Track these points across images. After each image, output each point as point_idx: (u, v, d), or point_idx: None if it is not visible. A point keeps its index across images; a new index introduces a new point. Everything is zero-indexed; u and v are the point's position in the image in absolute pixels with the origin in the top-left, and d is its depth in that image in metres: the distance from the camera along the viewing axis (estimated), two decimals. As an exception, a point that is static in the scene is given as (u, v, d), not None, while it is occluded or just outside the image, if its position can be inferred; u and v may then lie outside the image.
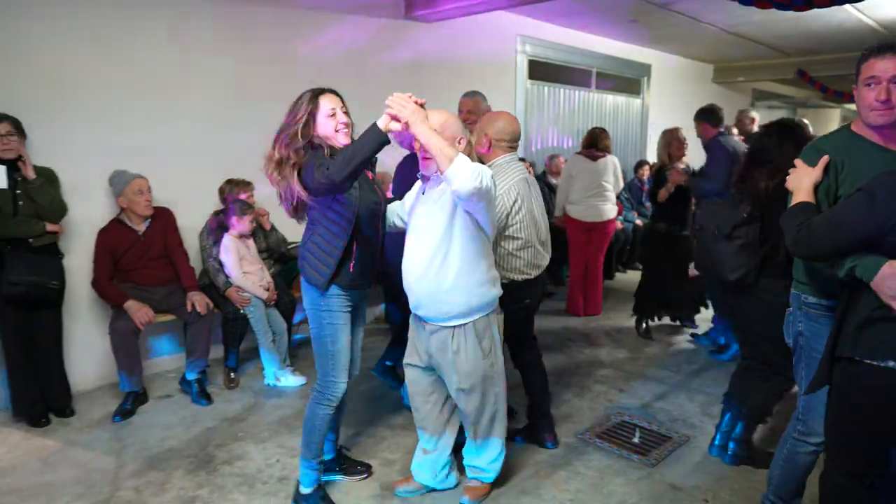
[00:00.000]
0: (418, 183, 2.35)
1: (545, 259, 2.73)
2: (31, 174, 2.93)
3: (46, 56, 3.23)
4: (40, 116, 3.14)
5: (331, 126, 2.18)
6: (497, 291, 2.27)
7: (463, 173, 1.90)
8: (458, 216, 2.12)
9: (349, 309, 2.30)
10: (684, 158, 4.33)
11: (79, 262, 3.34)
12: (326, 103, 2.17)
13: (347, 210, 2.19)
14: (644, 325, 4.54)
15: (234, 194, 3.72)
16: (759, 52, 7.75)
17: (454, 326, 2.20)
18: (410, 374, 2.42)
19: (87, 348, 3.49)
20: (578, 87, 6.98)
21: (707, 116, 4.27)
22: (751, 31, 6.56)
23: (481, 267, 2.19)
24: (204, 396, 3.38)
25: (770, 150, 2.48)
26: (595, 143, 4.89)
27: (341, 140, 2.19)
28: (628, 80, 7.68)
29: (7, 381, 3.12)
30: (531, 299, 2.74)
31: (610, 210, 4.88)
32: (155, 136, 3.60)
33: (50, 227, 3.02)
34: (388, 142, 2.01)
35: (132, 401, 3.27)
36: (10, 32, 3.11)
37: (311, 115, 2.14)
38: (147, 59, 3.56)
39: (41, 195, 2.97)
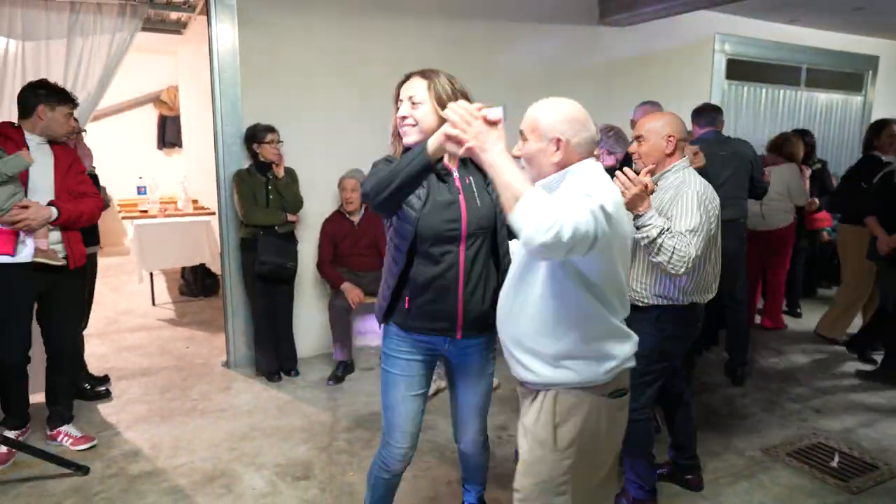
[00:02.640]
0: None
1: (716, 283, 2.34)
2: (282, 173, 3.59)
3: (294, 77, 3.90)
4: (287, 125, 3.80)
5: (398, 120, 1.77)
6: (610, 368, 1.53)
7: (530, 222, 1.26)
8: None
9: (410, 357, 1.85)
10: None
11: (308, 248, 3.98)
12: (402, 91, 1.77)
13: (404, 226, 1.73)
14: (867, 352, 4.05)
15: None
16: None
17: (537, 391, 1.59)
18: None
19: (309, 321, 4.14)
20: (784, 86, 6.43)
21: None
22: None
23: (572, 335, 1.50)
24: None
25: None
26: (778, 149, 4.50)
27: (406, 138, 1.76)
28: (847, 75, 6.86)
29: (254, 344, 3.85)
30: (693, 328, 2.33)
31: (778, 219, 4.34)
32: (372, 142, 4.13)
33: (290, 217, 3.66)
34: (431, 169, 1.57)
35: (342, 369, 3.82)
36: (269, 61, 3.82)
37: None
38: (369, 73, 4.09)
39: (287, 191, 3.61)
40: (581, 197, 1.36)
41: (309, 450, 2.92)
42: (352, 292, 3.75)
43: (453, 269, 1.74)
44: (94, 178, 3.29)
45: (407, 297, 1.77)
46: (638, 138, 2.29)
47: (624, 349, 1.55)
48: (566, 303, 1.48)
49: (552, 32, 4.79)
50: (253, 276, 3.63)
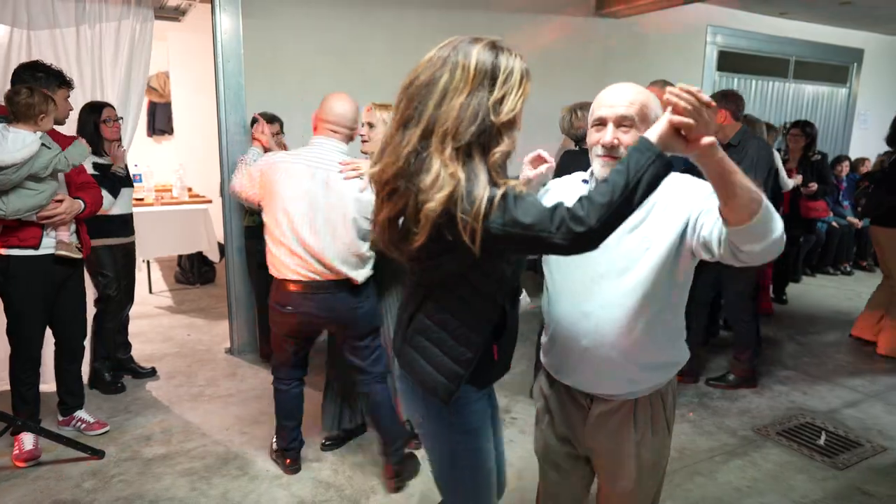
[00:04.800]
0: (574, 184, 1.57)
1: None
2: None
3: (296, 67, 3.92)
4: (290, 115, 3.83)
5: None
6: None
7: (777, 223, 1.18)
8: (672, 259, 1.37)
9: (490, 415, 1.54)
10: None
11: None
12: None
13: (513, 270, 1.38)
14: None
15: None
16: None
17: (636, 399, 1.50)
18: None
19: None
20: (773, 78, 6.57)
21: None
22: None
23: (682, 339, 1.54)
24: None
25: None
26: None
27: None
28: (833, 67, 7.02)
29: (258, 331, 3.91)
30: None
31: None
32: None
33: (294, 206, 3.72)
34: (670, 170, 1.13)
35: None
36: (272, 51, 3.85)
37: (524, 93, 1.25)
38: (371, 61, 4.13)
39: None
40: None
41: (321, 433, 2.99)
42: None
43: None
44: (122, 177, 3.28)
45: (495, 347, 1.41)
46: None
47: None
48: (679, 311, 1.49)
49: (550, 23, 4.86)
50: (257, 263, 3.68)
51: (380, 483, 2.56)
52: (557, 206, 1.15)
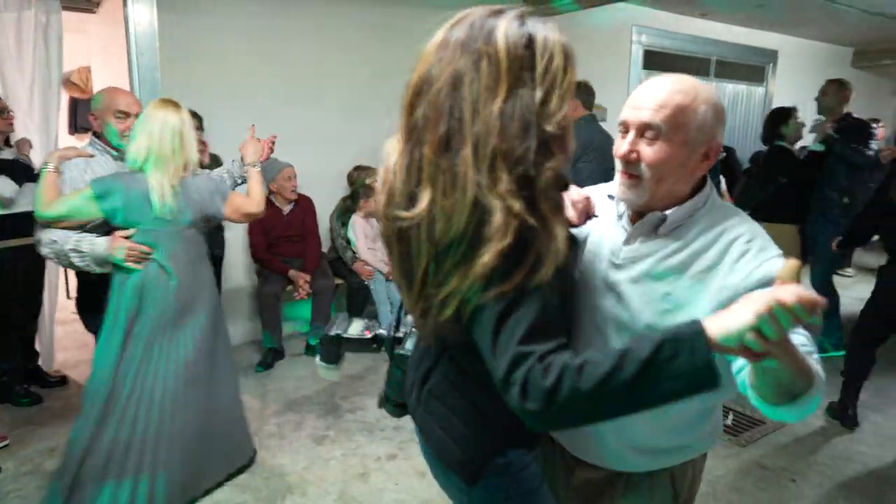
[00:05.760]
0: (598, 199, 1.21)
1: None
2: (207, 160, 3.53)
3: (216, 62, 3.82)
4: (209, 111, 3.73)
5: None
6: (720, 428, 1.32)
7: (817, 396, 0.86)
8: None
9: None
10: None
11: (232, 235, 3.94)
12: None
13: None
14: None
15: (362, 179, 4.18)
16: (908, 33, 7.12)
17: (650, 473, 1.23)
18: None
19: (235, 309, 4.11)
20: (696, 77, 6.83)
21: None
22: (896, 11, 6.08)
23: (698, 426, 1.21)
24: (330, 356, 3.87)
25: None
26: None
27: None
28: (751, 67, 7.36)
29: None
30: None
31: None
32: (296, 127, 4.13)
33: (214, 204, 3.62)
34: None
35: (272, 356, 3.82)
36: (191, 44, 3.73)
37: (570, 83, 0.94)
38: (293, 57, 4.06)
39: (211, 178, 3.57)
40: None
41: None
42: (301, 279, 3.77)
43: None
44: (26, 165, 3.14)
45: None
46: None
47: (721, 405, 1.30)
48: (713, 395, 0.98)
49: (476, 21, 4.89)
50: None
51: (296, 483, 2.53)
52: (537, 352, 0.80)
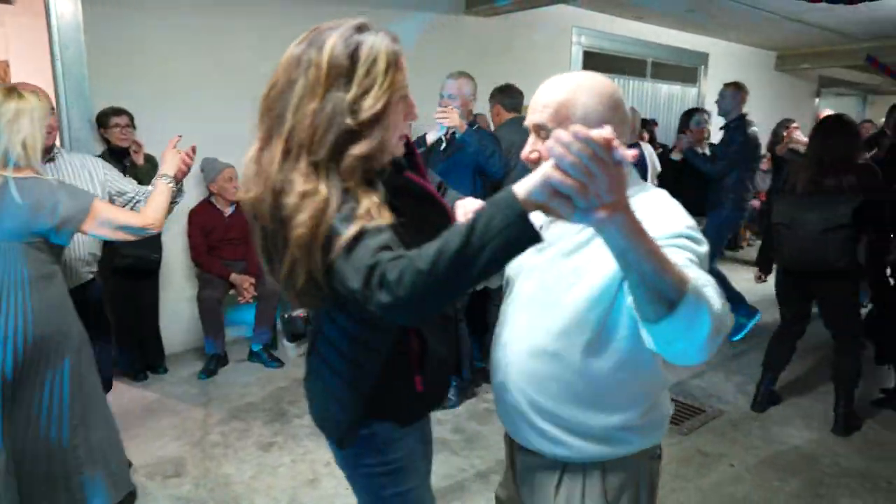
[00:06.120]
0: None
1: None
2: (142, 161, 3.38)
3: (151, 57, 3.66)
4: (145, 110, 3.57)
5: (401, 121, 1.11)
6: (665, 428, 1.23)
7: (707, 322, 0.85)
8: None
9: (424, 452, 1.33)
10: None
11: (171, 238, 3.79)
12: (403, 61, 1.11)
13: None
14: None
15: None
16: (826, 37, 7.56)
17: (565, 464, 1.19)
18: None
19: (175, 315, 3.95)
20: (633, 78, 7.06)
21: None
22: (816, 17, 6.45)
23: (636, 408, 1.15)
24: (274, 360, 3.79)
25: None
26: None
27: (399, 152, 1.16)
28: (684, 69, 7.67)
29: (115, 342, 3.61)
30: None
31: None
32: (237, 126, 3.99)
33: (150, 206, 3.47)
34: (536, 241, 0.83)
35: (215, 362, 3.70)
36: (122, 38, 3.56)
37: (392, 93, 1.06)
38: (235, 53, 3.93)
39: (148, 179, 3.40)
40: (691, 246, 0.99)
41: (181, 446, 2.82)
42: (244, 282, 3.65)
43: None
44: None
45: (419, 379, 1.21)
46: None
47: (668, 401, 1.23)
48: (639, 373, 1.12)
49: (418, 19, 4.89)
50: (111, 270, 3.40)
51: (243, 493, 2.46)
52: (384, 258, 0.90)
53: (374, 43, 1.05)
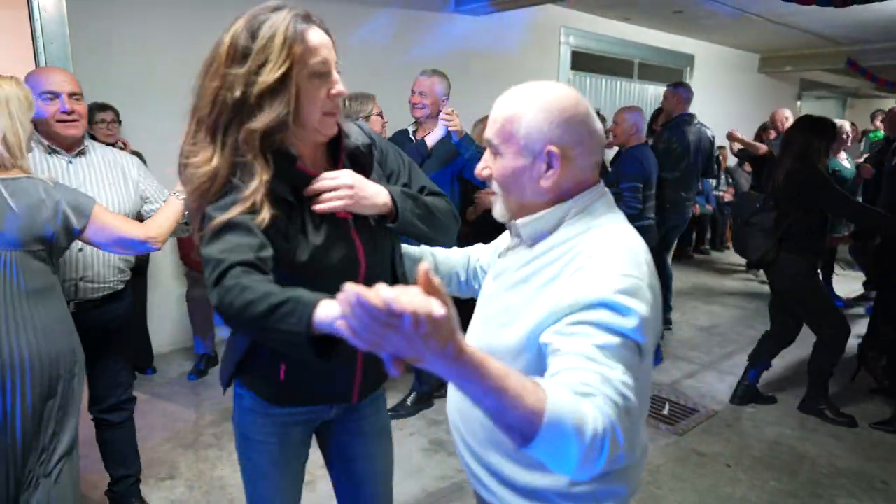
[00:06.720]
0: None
1: None
2: (128, 157, 3.30)
3: (136, 52, 3.59)
4: (130, 106, 3.50)
5: (320, 98, 1.12)
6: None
7: (566, 453, 0.76)
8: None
9: (283, 436, 1.34)
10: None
11: (159, 237, 3.72)
12: (315, 39, 1.11)
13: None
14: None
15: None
16: (808, 41, 7.69)
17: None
18: None
19: (164, 315, 3.88)
20: (620, 78, 7.10)
21: None
22: (799, 20, 6.55)
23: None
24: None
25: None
26: None
27: (329, 129, 1.16)
28: (670, 70, 7.73)
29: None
30: None
31: None
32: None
33: (139, 204, 3.40)
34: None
35: (205, 362, 3.64)
36: (106, 35, 3.48)
37: (290, 67, 1.08)
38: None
39: (133, 176, 3.34)
40: (603, 335, 0.84)
41: (173, 449, 2.77)
42: None
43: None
44: None
45: (284, 366, 1.21)
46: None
47: (630, 474, 1.05)
48: None
49: (408, 17, 4.86)
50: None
51: (238, 497, 2.42)
52: (230, 260, 1.00)
53: (275, 20, 1.08)
